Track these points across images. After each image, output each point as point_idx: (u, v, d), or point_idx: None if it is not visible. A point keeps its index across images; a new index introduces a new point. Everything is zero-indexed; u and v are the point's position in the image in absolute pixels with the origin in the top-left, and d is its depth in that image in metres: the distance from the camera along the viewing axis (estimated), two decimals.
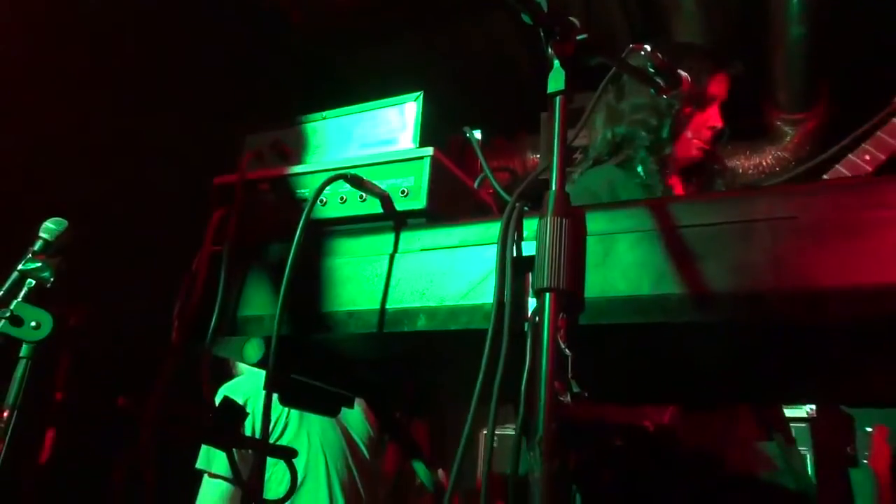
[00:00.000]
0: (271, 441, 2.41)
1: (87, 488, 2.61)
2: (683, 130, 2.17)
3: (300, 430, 2.53)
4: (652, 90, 1.46)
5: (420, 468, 1.56)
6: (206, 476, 2.45)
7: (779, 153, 4.28)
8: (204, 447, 2.44)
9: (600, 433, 1.81)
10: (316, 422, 2.55)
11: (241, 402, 2.24)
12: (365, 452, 2.68)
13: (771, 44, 3.78)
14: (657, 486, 1.85)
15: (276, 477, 2.41)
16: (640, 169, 2.13)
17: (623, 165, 2.17)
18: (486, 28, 4.43)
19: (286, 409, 2.48)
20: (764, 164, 4.28)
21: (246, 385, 2.47)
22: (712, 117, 2.19)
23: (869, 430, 3.34)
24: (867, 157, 1.80)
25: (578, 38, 1.06)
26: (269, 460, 2.31)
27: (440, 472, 1.91)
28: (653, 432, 1.80)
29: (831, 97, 4.09)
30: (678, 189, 2.22)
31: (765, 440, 1.99)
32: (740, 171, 4.20)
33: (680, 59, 2.20)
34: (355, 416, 2.68)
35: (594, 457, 1.84)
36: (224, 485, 2.40)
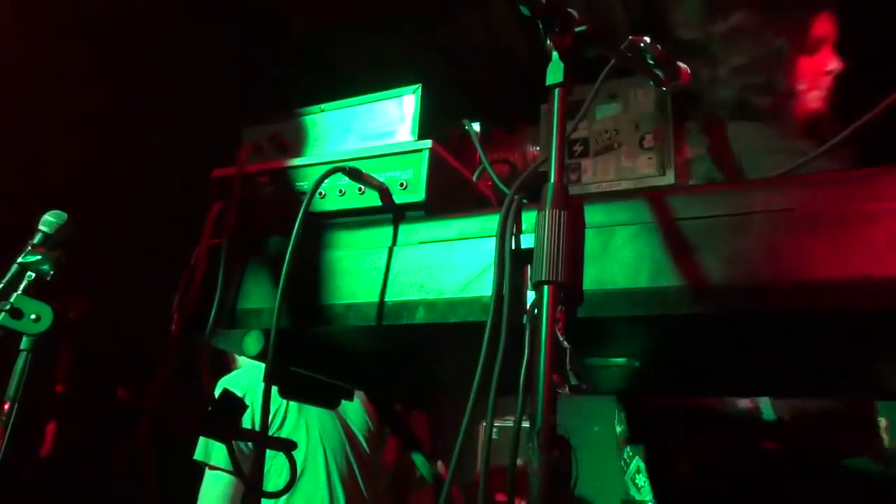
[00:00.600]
0: (270, 433, 2.42)
1: (88, 481, 2.62)
2: (795, 84, 1.94)
3: (299, 422, 2.54)
4: (651, 82, 1.46)
5: (419, 460, 1.57)
6: (207, 469, 2.46)
7: None
8: (202, 439, 2.45)
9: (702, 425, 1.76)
10: (315, 414, 2.56)
11: (239, 394, 2.24)
12: (364, 445, 2.69)
13: None
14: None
15: (275, 469, 2.42)
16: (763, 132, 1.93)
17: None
18: (486, 19, 4.42)
19: (285, 401, 2.49)
20: None
21: (244, 378, 2.47)
22: (826, 60, 1.95)
23: None
24: None
25: (577, 29, 1.06)
26: (269, 452, 2.32)
27: (440, 463, 1.92)
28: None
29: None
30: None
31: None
32: None
33: (772, 4, 2.03)
34: (354, 409, 2.69)
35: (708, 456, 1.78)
36: (226, 477, 2.41)
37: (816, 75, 1.94)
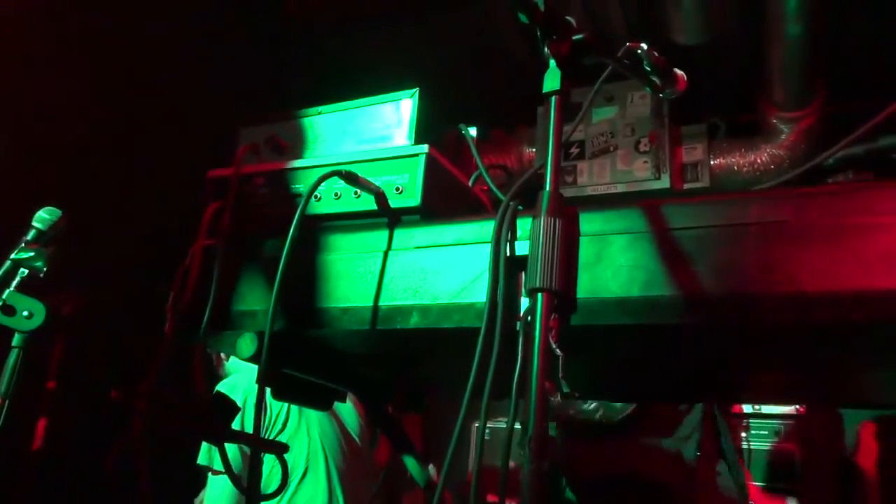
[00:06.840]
0: (273, 436, 2.42)
1: (78, 477, 2.61)
2: None
3: (300, 425, 2.54)
4: (647, 88, 1.47)
5: (410, 463, 1.57)
6: (210, 474, 2.45)
7: (774, 151, 4.27)
8: (205, 444, 2.44)
9: None
10: (314, 415, 2.56)
11: (239, 399, 2.24)
12: (358, 443, 2.70)
13: (767, 41, 3.78)
14: None
15: (276, 470, 2.41)
16: None
17: None
18: (484, 18, 4.41)
19: (287, 403, 2.48)
20: (759, 161, 4.27)
21: (243, 382, 2.46)
22: None
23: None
24: None
25: (575, 38, 1.06)
26: (271, 456, 2.32)
27: (431, 466, 1.92)
28: None
29: (828, 95, 4.09)
30: None
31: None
32: (735, 168, 4.18)
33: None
34: (347, 410, 2.69)
35: None
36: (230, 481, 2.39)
37: None
